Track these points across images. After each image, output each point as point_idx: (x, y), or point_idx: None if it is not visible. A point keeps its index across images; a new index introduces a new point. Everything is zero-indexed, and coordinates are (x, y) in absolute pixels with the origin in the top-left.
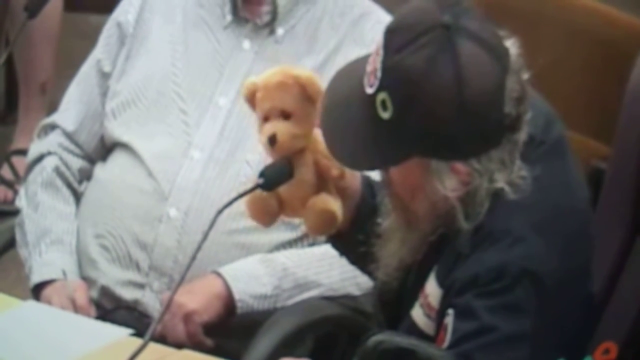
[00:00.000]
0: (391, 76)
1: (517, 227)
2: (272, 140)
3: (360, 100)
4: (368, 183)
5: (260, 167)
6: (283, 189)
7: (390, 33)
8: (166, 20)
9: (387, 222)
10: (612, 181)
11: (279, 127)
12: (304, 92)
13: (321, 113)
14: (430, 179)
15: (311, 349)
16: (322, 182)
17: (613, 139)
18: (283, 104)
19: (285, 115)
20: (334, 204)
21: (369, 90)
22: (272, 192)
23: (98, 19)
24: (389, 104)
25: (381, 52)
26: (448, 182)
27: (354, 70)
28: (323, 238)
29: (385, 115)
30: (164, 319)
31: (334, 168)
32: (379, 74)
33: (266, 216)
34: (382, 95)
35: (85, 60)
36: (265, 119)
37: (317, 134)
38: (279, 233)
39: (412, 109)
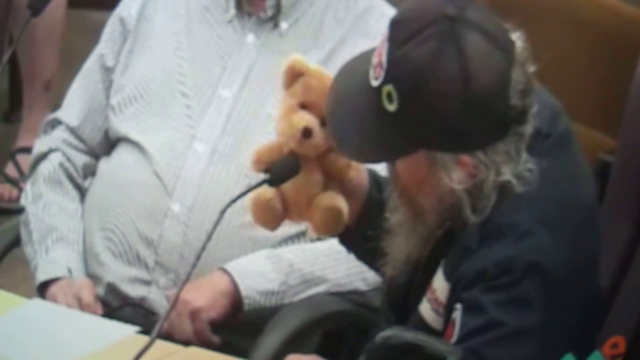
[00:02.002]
0: (396, 68)
1: (524, 220)
2: (307, 133)
3: (366, 93)
4: (374, 178)
5: None
6: (289, 188)
7: (395, 25)
8: (169, 14)
9: (394, 216)
10: (619, 174)
11: (317, 126)
12: None
13: (327, 106)
14: (437, 171)
15: (318, 344)
16: (329, 180)
17: (619, 131)
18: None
19: (321, 120)
20: (340, 202)
21: (375, 83)
22: (277, 194)
23: (101, 16)
24: (394, 96)
25: (386, 44)
26: (454, 175)
27: (360, 63)
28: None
29: (391, 107)
30: (170, 316)
31: (341, 160)
32: (384, 66)
33: (271, 220)
34: (387, 88)
35: (89, 56)
36: (303, 106)
37: None
38: (285, 227)
39: (418, 101)
